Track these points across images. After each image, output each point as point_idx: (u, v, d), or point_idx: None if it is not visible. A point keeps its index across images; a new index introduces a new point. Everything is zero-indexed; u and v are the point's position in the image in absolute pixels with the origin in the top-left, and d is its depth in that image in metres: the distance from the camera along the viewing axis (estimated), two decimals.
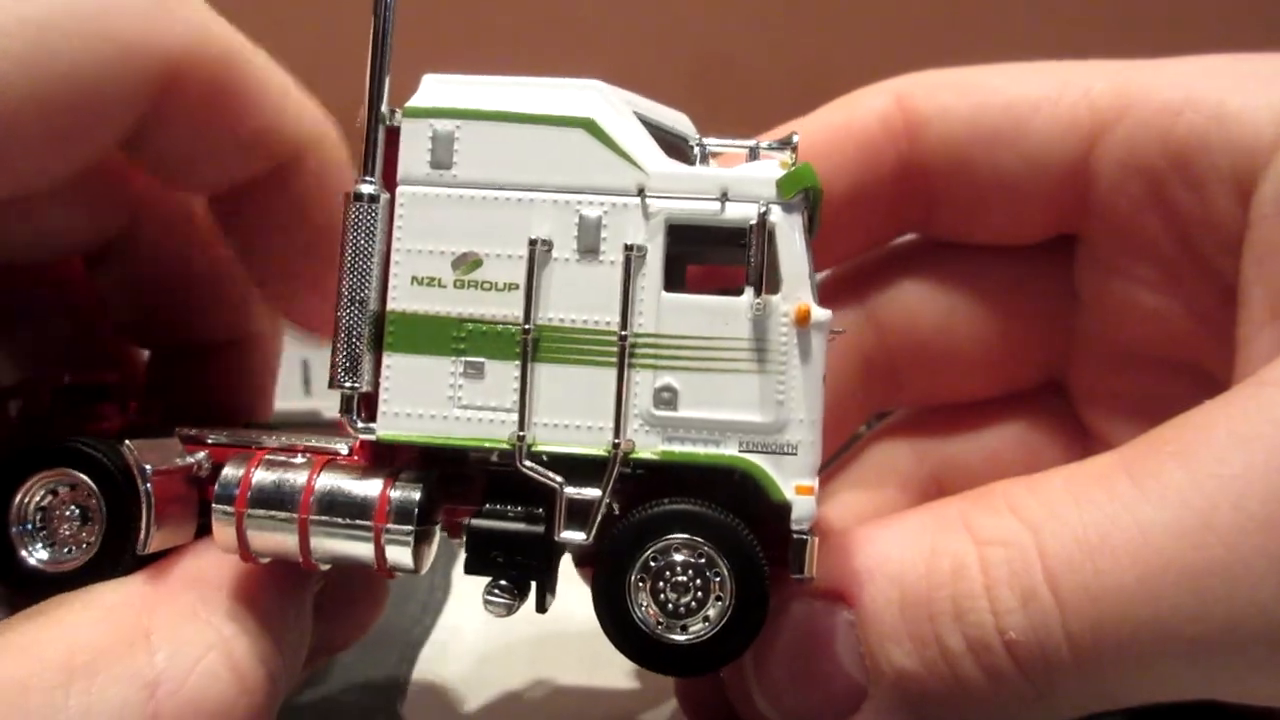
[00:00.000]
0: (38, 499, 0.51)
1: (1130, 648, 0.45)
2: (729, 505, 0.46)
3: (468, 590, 0.63)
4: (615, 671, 0.68)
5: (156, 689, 0.43)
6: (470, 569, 0.47)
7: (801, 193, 0.46)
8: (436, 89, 0.48)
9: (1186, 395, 0.50)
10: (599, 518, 0.46)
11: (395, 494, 0.47)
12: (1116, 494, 0.46)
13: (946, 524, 0.49)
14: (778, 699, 0.49)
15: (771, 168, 0.47)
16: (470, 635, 0.74)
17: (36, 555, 0.51)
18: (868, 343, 0.66)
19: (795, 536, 0.45)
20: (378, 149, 0.47)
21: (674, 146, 0.51)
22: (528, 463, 0.47)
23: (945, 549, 0.48)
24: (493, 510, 0.47)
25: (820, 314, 0.46)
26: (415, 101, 0.48)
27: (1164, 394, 0.55)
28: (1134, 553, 0.45)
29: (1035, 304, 0.64)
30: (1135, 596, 0.45)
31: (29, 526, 0.51)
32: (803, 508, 0.45)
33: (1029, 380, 0.67)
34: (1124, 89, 0.55)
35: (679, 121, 0.52)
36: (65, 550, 0.51)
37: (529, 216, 0.47)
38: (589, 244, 0.46)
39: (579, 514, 0.46)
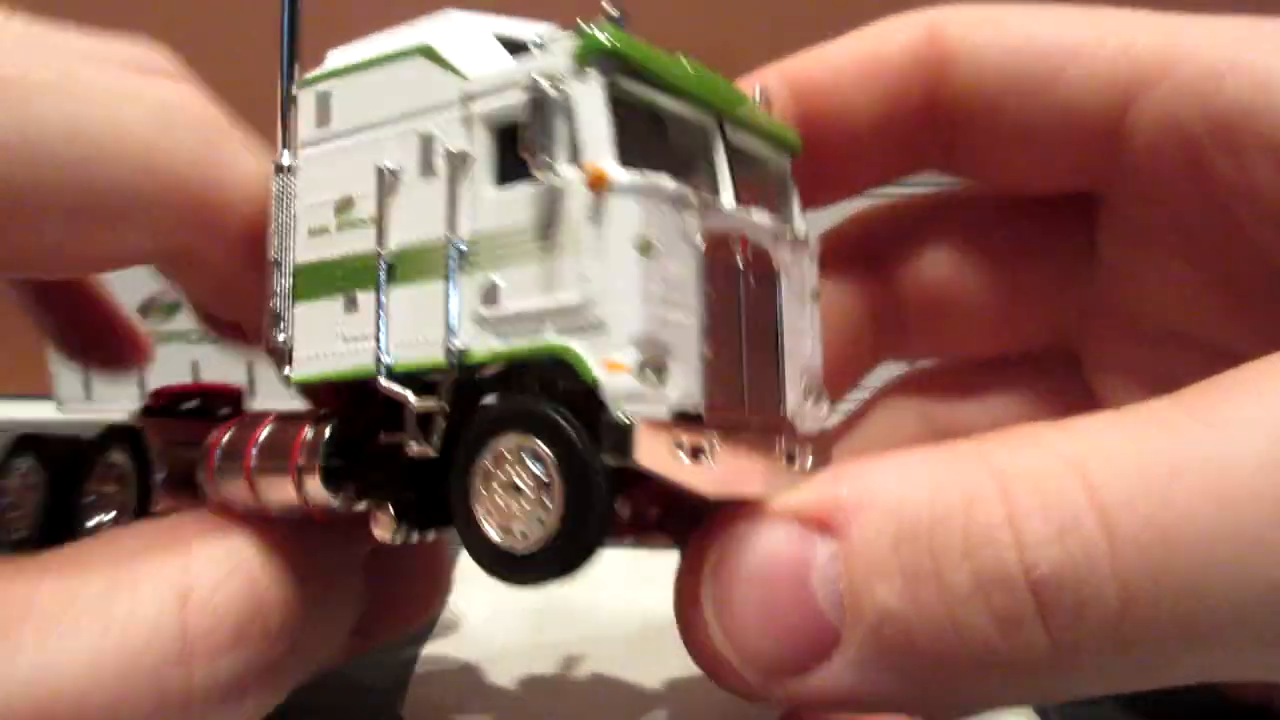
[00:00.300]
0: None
1: (1207, 599, 0.37)
2: (571, 399, 0.42)
3: (469, 590, 0.62)
4: (621, 674, 0.66)
5: (189, 597, 0.46)
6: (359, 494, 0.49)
7: (598, 60, 0.43)
8: (331, 59, 0.52)
9: (1210, 371, 0.43)
10: (440, 427, 0.45)
11: (308, 432, 0.49)
12: (1180, 431, 0.40)
13: (959, 457, 0.43)
14: (739, 636, 0.43)
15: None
16: (472, 635, 0.73)
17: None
18: (875, 289, 0.63)
19: (604, 418, 0.41)
20: (290, 123, 0.51)
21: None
22: (383, 381, 0.47)
23: (956, 481, 0.41)
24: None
25: (619, 175, 0.42)
26: (310, 74, 0.52)
27: (1185, 370, 0.46)
28: (1213, 487, 0.38)
29: (1051, 262, 0.61)
30: (1219, 533, 0.37)
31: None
32: (613, 385, 0.41)
33: (1040, 341, 0.63)
34: (1168, 47, 0.52)
35: (547, 32, 0.48)
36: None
37: (380, 149, 0.48)
38: (426, 163, 0.47)
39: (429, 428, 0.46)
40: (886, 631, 0.40)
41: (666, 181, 0.44)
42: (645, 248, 0.42)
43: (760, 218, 0.49)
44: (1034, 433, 0.43)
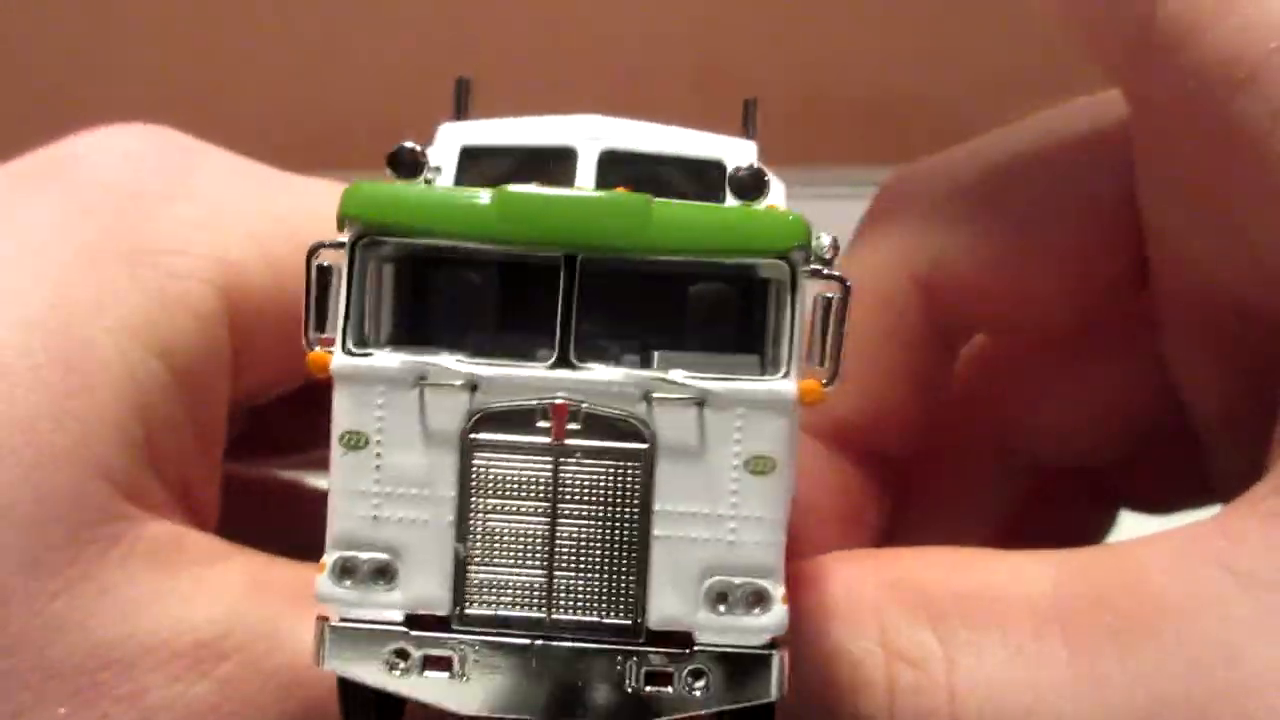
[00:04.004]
0: None
1: None
2: None
3: None
4: None
5: None
6: None
7: (348, 223, 0.39)
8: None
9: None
10: None
11: None
12: (1045, 658, 0.41)
13: (858, 614, 0.43)
14: None
15: None
16: None
17: None
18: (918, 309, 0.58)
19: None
20: None
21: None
22: None
23: (850, 649, 0.42)
24: None
25: (337, 361, 0.38)
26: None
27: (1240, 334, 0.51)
28: None
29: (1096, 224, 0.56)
30: None
31: None
32: (316, 587, 0.40)
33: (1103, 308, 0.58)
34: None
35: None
36: None
37: None
38: None
39: None
40: None
41: (389, 360, 0.38)
42: (350, 440, 0.39)
43: (613, 376, 0.38)
44: (931, 599, 0.43)
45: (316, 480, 0.65)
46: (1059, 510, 0.67)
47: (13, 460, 0.44)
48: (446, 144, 0.42)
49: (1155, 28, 0.46)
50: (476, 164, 0.43)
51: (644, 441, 0.38)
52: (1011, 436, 0.64)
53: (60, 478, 0.44)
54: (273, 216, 0.51)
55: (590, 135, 0.42)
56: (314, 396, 0.55)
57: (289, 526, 0.53)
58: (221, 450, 0.52)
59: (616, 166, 0.41)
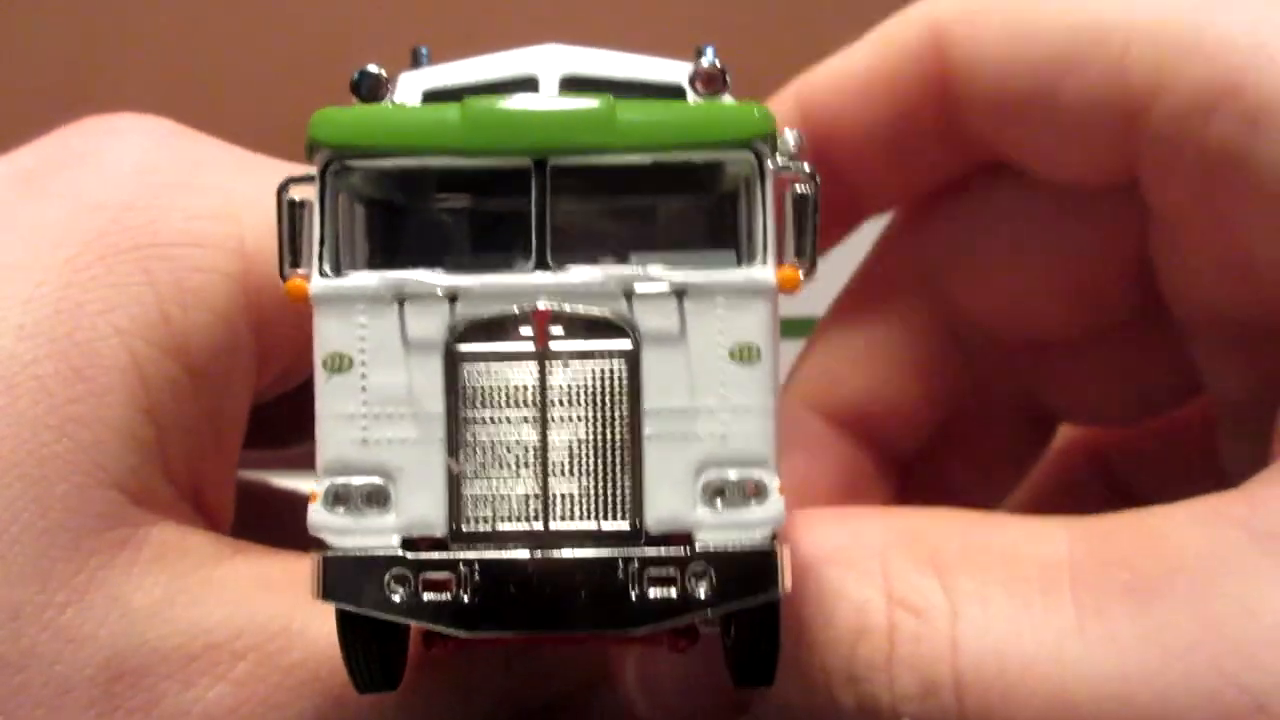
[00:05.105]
0: None
1: None
2: None
3: None
4: None
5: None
6: None
7: (315, 151, 0.38)
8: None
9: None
10: None
11: None
12: (1052, 612, 0.41)
13: (863, 561, 0.43)
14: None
15: None
16: None
17: None
18: (934, 318, 0.59)
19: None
20: None
21: None
22: None
23: (852, 594, 0.43)
24: None
25: (315, 285, 0.38)
26: None
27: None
28: (1048, 697, 0.40)
29: (1112, 229, 0.55)
30: None
31: None
32: (310, 518, 0.40)
33: (1123, 309, 0.58)
34: (1160, 60, 0.47)
35: None
36: None
37: None
38: None
39: None
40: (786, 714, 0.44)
41: (368, 279, 0.38)
42: (334, 363, 0.38)
43: (592, 276, 0.38)
44: (937, 548, 0.43)
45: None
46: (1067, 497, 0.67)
47: (16, 473, 0.44)
48: (408, 91, 0.42)
49: (1129, 85, 0.48)
50: None
51: (628, 339, 0.38)
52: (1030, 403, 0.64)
53: (63, 487, 0.44)
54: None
55: (551, 62, 0.42)
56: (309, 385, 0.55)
57: (293, 522, 0.53)
58: (239, 447, 0.52)
59: (577, 91, 0.41)
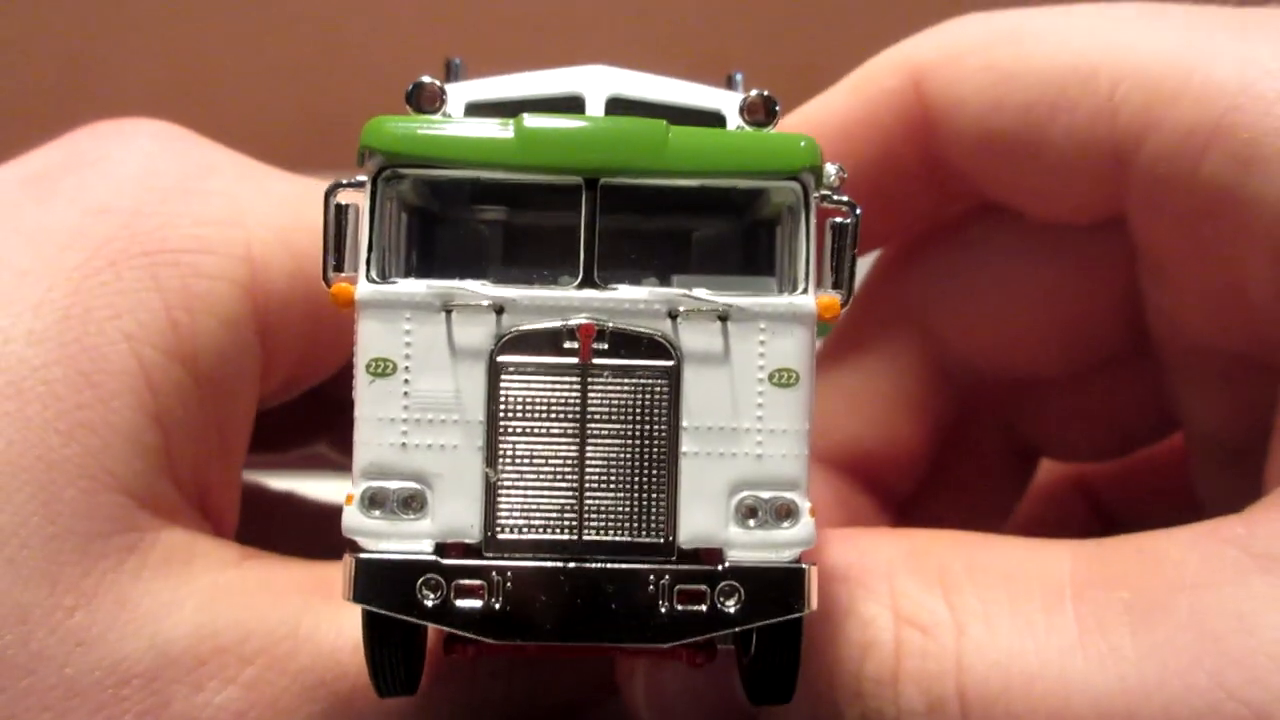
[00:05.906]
0: None
1: None
2: None
3: None
4: None
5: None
6: None
7: (370, 159, 0.39)
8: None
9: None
10: None
11: None
12: (1055, 630, 0.42)
13: (870, 578, 0.44)
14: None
15: None
16: None
17: None
18: (923, 358, 0.59)
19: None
20: None
21: None
22: None
23: (860, 611, 0.43)
24: None
25: (362, 291, 0.39)
26: None
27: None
28: (1051, 712, 0.40)
29: (1099, 265, 0.57)
30: None
31: None
32: (345, 521, 0.40)
33: (1107, 347, 0.59)
34: (1148, 100, 0.48)
35: None
36: None
37: None
38: None
39: None
40: None
41: (415, 286, 0.39)
42: (377, 367, 0.39)
43: (638, 294, 0.39)
44: (944, 566, 0.44)
45: (316, 479, 0.64)
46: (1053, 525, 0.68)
47: (24, 479, 0.43)
48: (451, 102, 0.42)
49: (1117, 125, 0.49)
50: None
51: (670, 358, 0.39)
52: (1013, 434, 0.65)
53: (70, 492, 0.44)
54: (293, 211, 0.50)
55: (597, 82, 0.43)
56: (309, 391, 0.55)
57: (298, 528, 0.53)
58: (244, 452, 0.52)
59: (622, 113, 0.42)
